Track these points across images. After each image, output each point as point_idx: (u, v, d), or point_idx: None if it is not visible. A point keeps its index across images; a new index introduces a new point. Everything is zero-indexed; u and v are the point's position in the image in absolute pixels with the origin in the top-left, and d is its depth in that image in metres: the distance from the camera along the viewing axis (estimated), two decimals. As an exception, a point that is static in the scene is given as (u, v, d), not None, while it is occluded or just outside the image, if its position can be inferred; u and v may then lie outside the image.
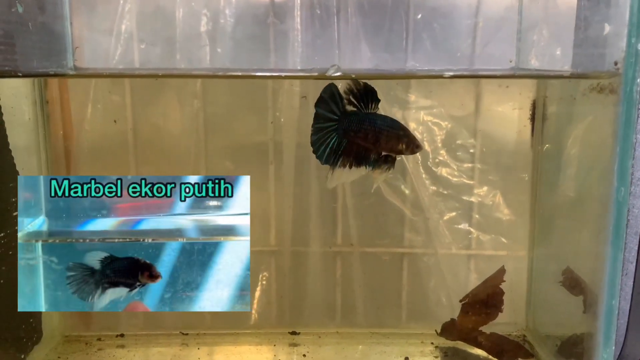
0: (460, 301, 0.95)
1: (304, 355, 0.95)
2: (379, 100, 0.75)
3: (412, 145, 0.77)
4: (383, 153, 0.77)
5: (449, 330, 0.96)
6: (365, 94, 0.75)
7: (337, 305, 1.02)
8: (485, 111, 0.97)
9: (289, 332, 1.01)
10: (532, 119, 0.97)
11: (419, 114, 0.96)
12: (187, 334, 1.01)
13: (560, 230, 0.93)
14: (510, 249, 1.00)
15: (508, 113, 0.97)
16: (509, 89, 0.96)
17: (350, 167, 0.76)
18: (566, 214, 0.90)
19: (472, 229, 1.00)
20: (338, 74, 0.77)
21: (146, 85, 0.95)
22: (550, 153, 0.94)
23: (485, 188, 0.99)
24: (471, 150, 0.98)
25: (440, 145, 0.97)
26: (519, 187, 0.98)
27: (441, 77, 0.92)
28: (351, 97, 0.74)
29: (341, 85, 0.75)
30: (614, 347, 0.72)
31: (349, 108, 0.75)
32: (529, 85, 0.95)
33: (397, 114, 0.95)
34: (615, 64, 0.67)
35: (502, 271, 0.93)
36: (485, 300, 0.93)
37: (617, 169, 0.68)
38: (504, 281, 0.92)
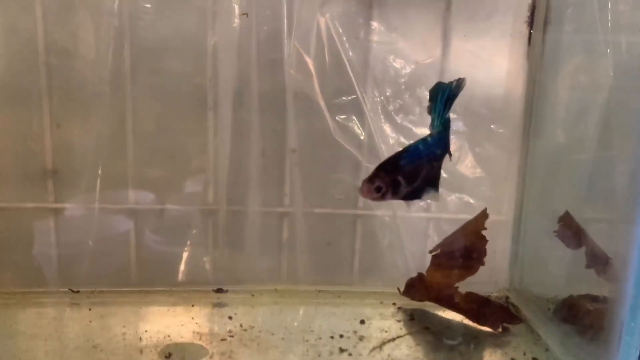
0: (431, 252, 0.75)
1: (230, 318, 0.73)
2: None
3: None
4: None
5: (415, 287, 0.77)
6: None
7: (281, 264, 0.83)
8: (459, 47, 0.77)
9: (213, 290, 0.80)
10: (530, 23, 0.76)
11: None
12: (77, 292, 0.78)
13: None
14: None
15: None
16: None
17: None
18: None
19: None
20: None
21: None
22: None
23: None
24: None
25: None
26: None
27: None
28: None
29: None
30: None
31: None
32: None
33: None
34: None
35: (483, 215, 0.74)
36: (462, 250, 0.74)
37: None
38: (486, 228, 0.73)
